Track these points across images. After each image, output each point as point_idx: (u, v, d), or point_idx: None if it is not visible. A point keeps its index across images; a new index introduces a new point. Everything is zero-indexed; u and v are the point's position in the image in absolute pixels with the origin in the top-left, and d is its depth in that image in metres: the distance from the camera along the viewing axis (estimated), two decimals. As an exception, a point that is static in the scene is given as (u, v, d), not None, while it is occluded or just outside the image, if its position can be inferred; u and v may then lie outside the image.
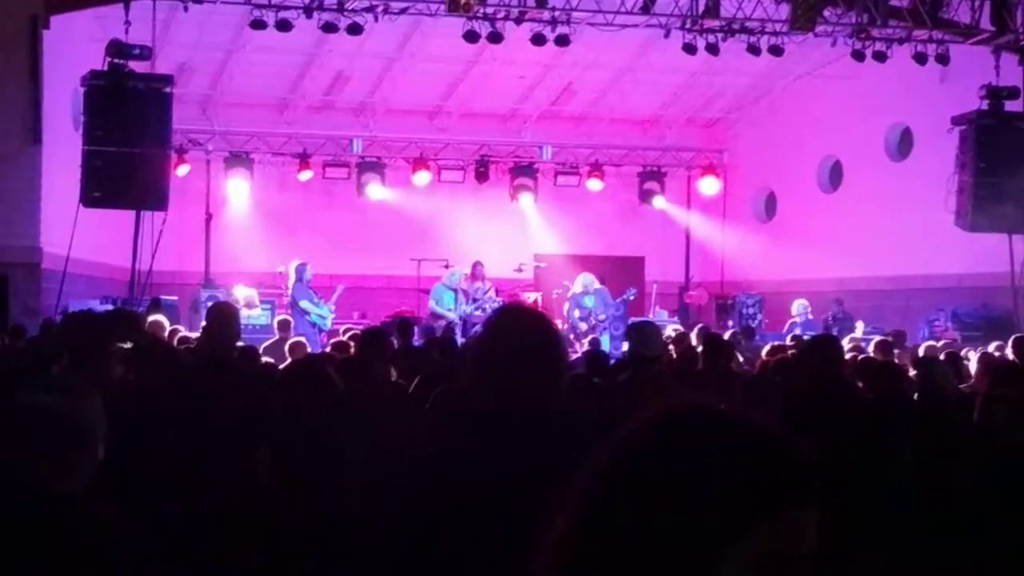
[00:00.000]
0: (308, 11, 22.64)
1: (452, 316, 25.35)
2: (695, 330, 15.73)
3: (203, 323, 12.19)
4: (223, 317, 9.97)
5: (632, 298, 26.67)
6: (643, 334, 10.09)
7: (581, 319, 25.82)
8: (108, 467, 4.40)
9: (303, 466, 8.09)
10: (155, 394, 9.13)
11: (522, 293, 28.61)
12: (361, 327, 22.21)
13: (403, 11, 23.30)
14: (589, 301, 25.94)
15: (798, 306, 26.48)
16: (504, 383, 3.94)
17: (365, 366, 9.40)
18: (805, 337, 18.42)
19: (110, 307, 22.29)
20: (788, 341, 18.31)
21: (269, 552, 8.09)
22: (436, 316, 25.26)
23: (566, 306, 26.56)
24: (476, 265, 27.01)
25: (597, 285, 26.28)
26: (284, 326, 21.00)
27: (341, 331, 20.36)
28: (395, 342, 12.78)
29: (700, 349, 13.63)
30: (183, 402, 8.79)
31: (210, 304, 21.48)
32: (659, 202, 32.94)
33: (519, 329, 4.05)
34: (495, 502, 3.75)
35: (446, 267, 26.93)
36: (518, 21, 23.63)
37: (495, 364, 4.01)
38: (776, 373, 12.10)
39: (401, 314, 26.07)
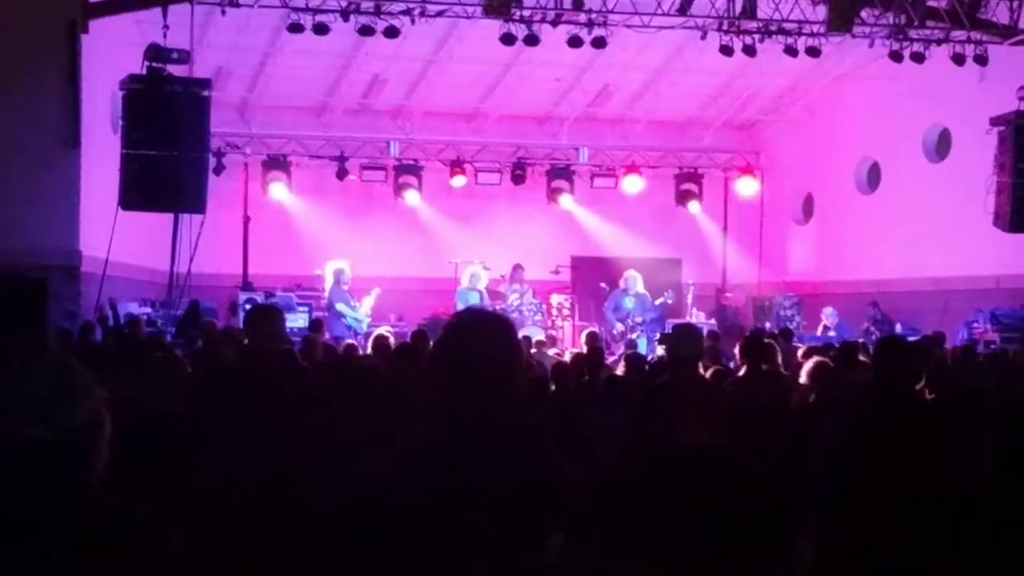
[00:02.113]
0: (345, 14, 22.68)
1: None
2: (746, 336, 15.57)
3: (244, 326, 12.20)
4: (263, 318, 9.96)
5: (671, 302, 26.64)
6: (682, 336, 10.07)
7: (618, 320, 25.81)
8: (137, 467, 4.40)
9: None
10: (192, 395, 9.16)
11: (558, 294, 28.66)
12: (396, 329, 22.33)
13: (440, 14, 23.33)
14: (629, 303, 25.93)
15: (828, 313, 26.48)
16: (454, 394, 3.95)
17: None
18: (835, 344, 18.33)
19: (148, 310, 22.42)
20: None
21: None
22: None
23: (606, 304, 26.58)
24: (516, 268, 27.05)
25: (640, 288, 26.24)
26: (316, 327, 21.03)
27: (374, 333, 20.42)
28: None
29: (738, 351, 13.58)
30: (218, 403, 8.81)
31: (249, 307, 21.67)
32: (695, 204, 32.94)
33: (469, 338, 4.06)
34: (441, 523, 3.77)
35: (484, 269, 26.96)
36: (555, 23, 23.63)
37: (444, 375, 4.01)
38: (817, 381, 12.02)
39: (437, 316, 26.14)
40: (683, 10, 23.65)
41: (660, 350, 20.51)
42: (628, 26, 23.95)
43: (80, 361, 4.26)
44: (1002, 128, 24.63)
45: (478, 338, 4.03)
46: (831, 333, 24.91)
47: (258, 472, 8.15)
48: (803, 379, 12.47)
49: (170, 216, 22.47)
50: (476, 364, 3.94)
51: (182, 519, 4.63)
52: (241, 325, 22.21)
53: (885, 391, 8.85)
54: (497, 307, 26.18)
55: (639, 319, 25.72)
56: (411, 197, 31.30)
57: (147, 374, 9.00)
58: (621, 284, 26.39)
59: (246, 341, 10.38)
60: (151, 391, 8.35)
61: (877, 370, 9.09)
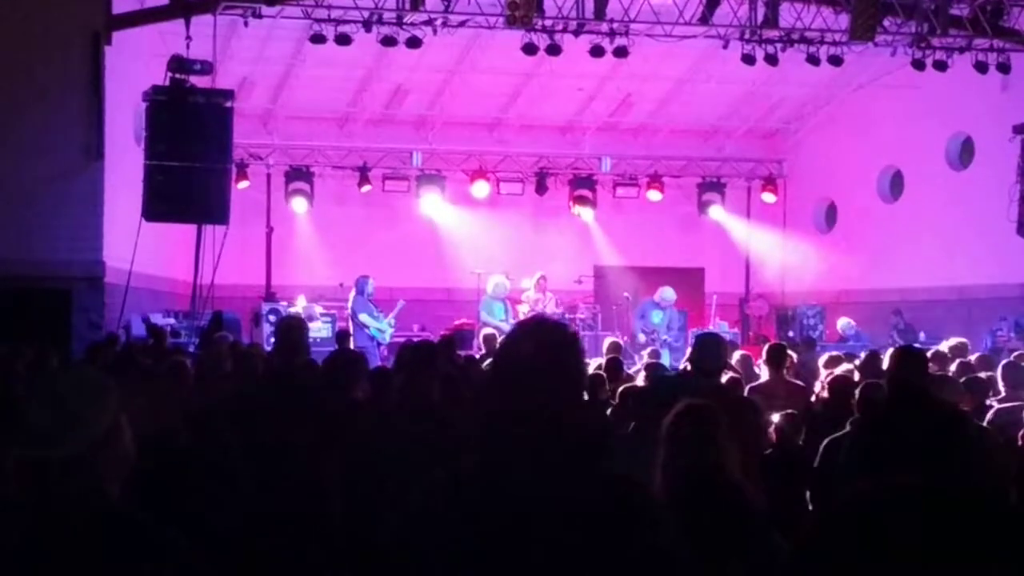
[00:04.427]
0: (367, 25, 22.70)
1: (506, 328, 25.35)
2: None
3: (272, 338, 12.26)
4: (289, 330, 10.00)
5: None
6: (706, 347, 10.06)
7: (642, 330, 25.75)
8: (169, 482, 4.40)
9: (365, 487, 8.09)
10: (221, 409, 9.18)
11: (581, 304, 28.60)
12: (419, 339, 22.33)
13: (462, 24, 23.34)
14: (657, 317, 25.82)
15: (844, 324, 26.42)
16: (510, 400, 3.90)
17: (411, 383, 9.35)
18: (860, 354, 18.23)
19: (172, 321, 22.45)
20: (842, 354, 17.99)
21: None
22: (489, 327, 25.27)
23: (635, 311, 26.53)
24: (542, 278, 27.00)
25: (672, 306, 26.12)
26: (342, 338, 21.05)
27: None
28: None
29: (763, 361, 13.57)
30: (249, 416, 8.82)
31: (272, 318, 21.69)
32: (718, 213, 32.89)
33: (530, 343, 4.01)
34: (494, 531, 3.73)
35: (507, 278, 26.92)
36: (576, 33, 23.64)
37: (502, 381, 3.97)
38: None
39: (461, 327, 26.15)
40: (705, 19, 23.65)
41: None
42: (650, 35, 23.95)
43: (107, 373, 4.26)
44: (1025, 136, 24.62)
45: (535, 343, 3.98)
46: (849, 343, 24.86)
47: (290, 494, 8.16)
48: (821, 389, 12.50)
49: (193, 227, 22.49)
50: (534, 369, 3.89)
51: (209, 543, 4.64)
52: (264, 336, 22.32)
53: (899, 399, 8.83)
54: (521, 315, 26.19)
55: (665, 337, 25.61)
56: (433, 207, 31.33)
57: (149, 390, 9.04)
58: (656, 297, 26.30)
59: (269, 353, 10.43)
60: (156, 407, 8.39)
61: (891, 378, 9.08)
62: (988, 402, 11.68)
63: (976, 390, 11.68)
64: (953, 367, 14.66)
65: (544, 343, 3.96)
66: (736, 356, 15.91)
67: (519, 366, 3.92)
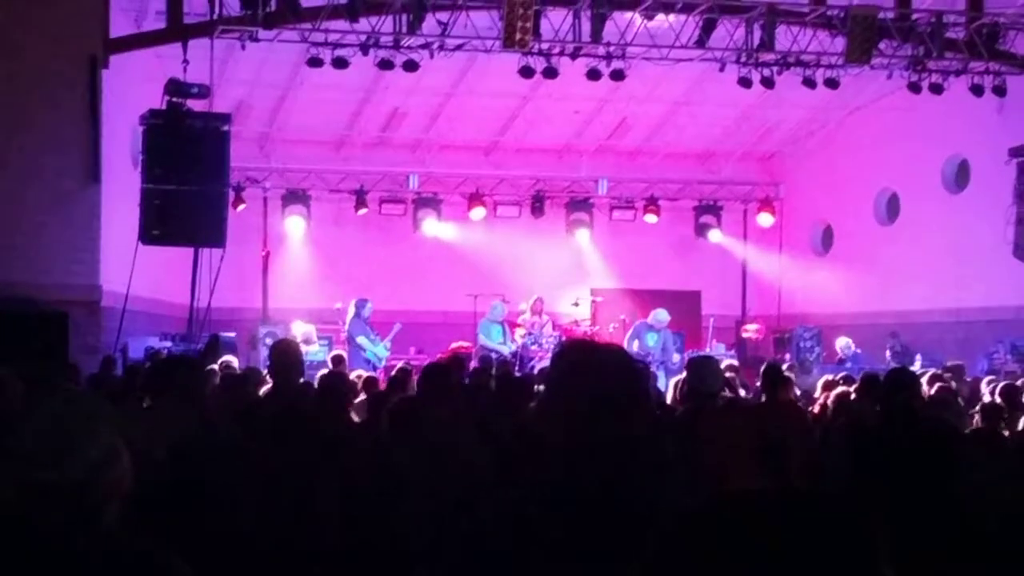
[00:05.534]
0: (364, 48, 22.73)
1: (504, 350, 25.37)
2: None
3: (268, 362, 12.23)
4: (284, 354, 10.01)
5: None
6: (701, 369, 10.05)
7: (636, 353, 25.73)
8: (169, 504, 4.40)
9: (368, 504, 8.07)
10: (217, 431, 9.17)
11: (578, 327, 28.58)
12: (417, 362, 22.31)
13: (459, 47, 23.37)
14: (651, 339, 25.79)
15: (843, 345, 26.39)
16: (590, 429, 3.87)
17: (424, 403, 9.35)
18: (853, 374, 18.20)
19: (169, 344, 22.43)
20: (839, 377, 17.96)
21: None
22: (487, 350, 25.26)
23: (628, 334, 26.54)
24: (537, 301, 26.99)
25: (666, 328, 26.09)
26: (337, 361, 21.04)
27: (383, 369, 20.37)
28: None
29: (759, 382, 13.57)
30: (245, 439, 8.82)
31: (269, 341, 21.67)
32: (715, 235, 32.91)
33: (601, 361, 3.99)
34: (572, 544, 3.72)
35: (504, 301, 26.92)
36: (573, 56, 23.67)
37: (580, 411, 3.93)
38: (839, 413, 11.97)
39: (458, 350, 26.11)
40: (701, 42, 23.67)
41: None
42: (647, 59, 24.01)
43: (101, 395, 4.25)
44: (1021, 159, 24.65)
45: (603, 368, 3.95)
46: (848, 365, 24.83)
47: (293, 511, 8.14)
48: (818, 409, 12.51)
49: (190, 250, 22.49)
50: (604, 394, 3.87)
51: (209, 562, 4.62)
52: (261, 359, 22.31)
53: (891, 420, 8.84)
54: (518, 339, 26.18)
55: (676, 358, 25.58)
56: (430, 230, 31.36)
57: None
58: (649, 319, 26.27)
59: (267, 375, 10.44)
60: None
61: (885, 399, 9.12)
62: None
63: (989, 416, 11.63)
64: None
65: (621, 373, 3.94)
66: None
67: (598, 396, 3.88)
